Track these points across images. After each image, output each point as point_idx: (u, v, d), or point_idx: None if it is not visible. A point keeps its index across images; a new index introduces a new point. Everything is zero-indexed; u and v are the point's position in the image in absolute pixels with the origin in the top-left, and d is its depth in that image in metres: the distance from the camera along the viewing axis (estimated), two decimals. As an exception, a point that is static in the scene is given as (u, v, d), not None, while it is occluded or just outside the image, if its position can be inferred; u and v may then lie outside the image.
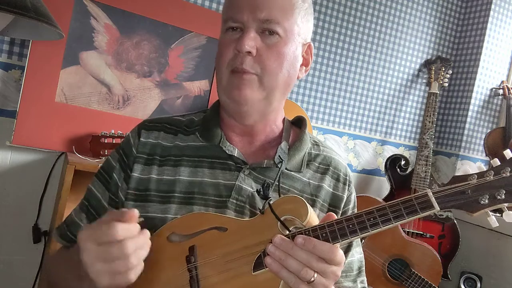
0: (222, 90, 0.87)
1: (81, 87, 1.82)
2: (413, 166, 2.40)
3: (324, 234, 0.72)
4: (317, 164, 0.94)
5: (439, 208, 0.72)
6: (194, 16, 2.00)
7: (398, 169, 2.42)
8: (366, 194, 2.44)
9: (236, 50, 0.83)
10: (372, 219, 0.72)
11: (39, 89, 1.73)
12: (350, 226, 0.72)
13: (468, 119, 2.56)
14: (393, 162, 2.43)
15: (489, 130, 2.58)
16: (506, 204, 0.73)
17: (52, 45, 1.72)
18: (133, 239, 0.68)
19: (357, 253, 0.99)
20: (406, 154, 2.62)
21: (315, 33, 2.32)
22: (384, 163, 2.46)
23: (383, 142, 2.59)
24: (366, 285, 1.01)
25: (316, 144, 0.98)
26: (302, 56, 0.91)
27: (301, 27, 0.88)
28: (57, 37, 1.55)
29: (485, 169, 0.74)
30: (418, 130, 2.67)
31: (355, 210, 0.98)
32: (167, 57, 1.97)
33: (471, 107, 2.56)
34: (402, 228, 2.20)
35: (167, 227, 0.81)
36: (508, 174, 0.73)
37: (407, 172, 2.42)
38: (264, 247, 0.73)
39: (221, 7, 1.82)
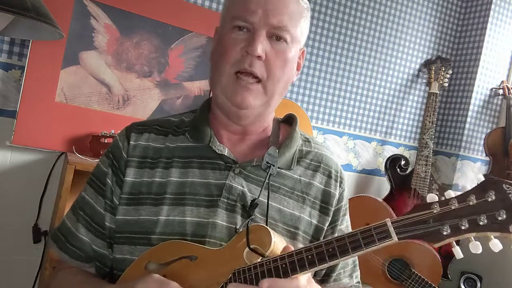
0: (221, 89, 0.86)
1: (81, 87, 1.82)
2: (413, 166, 2.40)
3: (283, 265, 0.72)
4: (308, 161, 0.93)
5: (397, 239, 0.69)
6: (194, 16, 2.00)
7: (398, 169, 2.42)
8: (366, 194, 2.43)
9: (245, 51, 0.82)
10: (331, 249, 0.71)
11: (39, 89, 1.73)
12: (309, 257, 0.71)
13: (468, 119, 2.56)
14: (393, 162, 2.42)
15: (489, 130, 2.59)
16: (473, 234, 0.67)
17: (52, 45, 1.72)
18: None
19: None
20: (406, 154, 2.62)
21: (315, 33, 2.32)
22: (384, 163, 2.46)
23: (383, 142, 2.59)
24: (359, 279, 1.02)
25: (307, 141, 0.97)
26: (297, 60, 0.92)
27: (303, 33, 0.90)
28: (57, 37, 1.55)
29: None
30: (418, 130, 2.67)
31: (347, 207, 0.98)
32: (167, 57, 1.97)
33: (471, 107, 2.56)
34: (402, 228, 2.19)
35: (145, 256, 0.82)
36: (475, 202, 0.67)
37: (407, 172, 2.42)
38: (226, 279, 0.75)
39: (221, 7, 1.82)
